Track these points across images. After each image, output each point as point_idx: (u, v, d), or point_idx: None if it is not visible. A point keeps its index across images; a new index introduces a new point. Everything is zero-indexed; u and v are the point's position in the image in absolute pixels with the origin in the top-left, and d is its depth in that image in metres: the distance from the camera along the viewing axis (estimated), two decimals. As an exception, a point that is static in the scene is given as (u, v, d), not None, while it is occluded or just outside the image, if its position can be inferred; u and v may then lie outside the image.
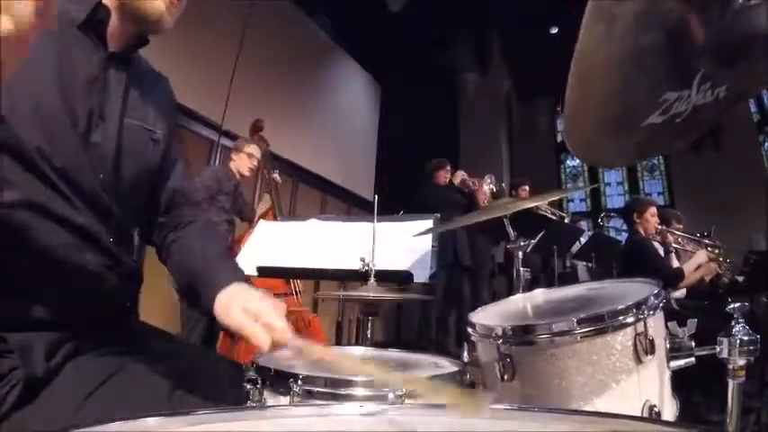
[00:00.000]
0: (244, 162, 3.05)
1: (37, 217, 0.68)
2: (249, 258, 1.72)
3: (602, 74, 0.77)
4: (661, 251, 3.23)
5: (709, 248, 3.21)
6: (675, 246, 3.28)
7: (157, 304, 2.95)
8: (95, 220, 0.76)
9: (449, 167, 4.35)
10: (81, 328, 0.74)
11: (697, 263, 3.02)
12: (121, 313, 0.87)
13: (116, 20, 0.80)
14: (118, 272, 0.80)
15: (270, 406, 0.70)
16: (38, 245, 0.68)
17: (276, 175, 3.36)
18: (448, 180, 4.29)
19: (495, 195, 4.00)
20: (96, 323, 0.77)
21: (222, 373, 0.89)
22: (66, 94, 0.72)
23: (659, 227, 3.24)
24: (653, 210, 3.25)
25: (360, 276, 1.43)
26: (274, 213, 3.19)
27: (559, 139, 7.83)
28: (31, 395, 0.65)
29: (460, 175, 4.34)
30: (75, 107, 0.73)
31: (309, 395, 0.70)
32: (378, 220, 1.46)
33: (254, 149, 3.08)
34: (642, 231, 3.20)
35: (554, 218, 4.17)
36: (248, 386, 0.76)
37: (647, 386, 0.79)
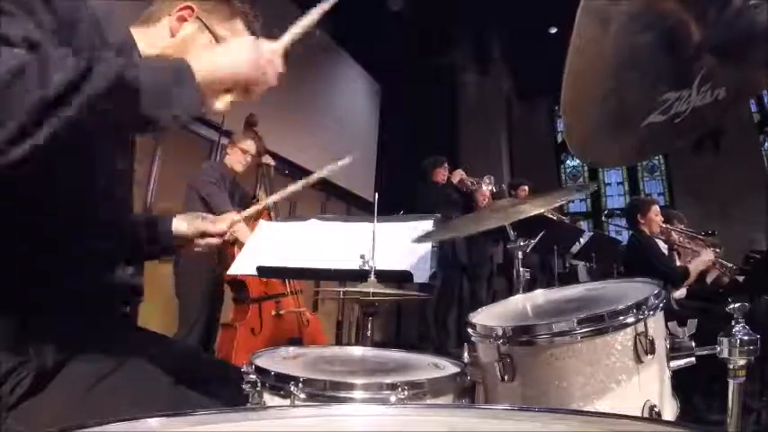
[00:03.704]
0: (237, 157, 3.03)
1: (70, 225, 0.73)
2: (249, 258, 1.72)
3: (597, 73, 0.77)
4: (665, 250, 3.24)
5: (710, 247, 3.22)
6: (678, 245, 3.29)
7: (156, 305, 2.96)
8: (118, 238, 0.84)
9: (446, 165, 4.34)
10: (90, 327, 0.76)
11: (704, 262, 3.03)
12: (124, 317, 0.89)
13: None
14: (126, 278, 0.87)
15: (271, 407, 0.70)
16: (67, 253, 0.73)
17: (267, 159, 3.28)
18: (446, 178, 4.28)
19: (494, 196, 4.00)
20: (103, 323, 0.78)
21: (220, 374, 0.90)
22: None
23: (663, 225, 3.24)
24: (656, 208, 3.26)
25: (360, 276, 1.43)
26: (269, 211, 3.17)
27: (559, 139, 7.82)
28: (39, 387, 0.68)
29: (459, 174, 4.34)
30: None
31: (309, 398, 0.70)
32: (378, 221, 1.46)
33: (248, 145, 3.06)
34: (647, 231, 3.21)
35: (554, 218, 4.17)
36: (248, 388, 0.76)
37: (647, 386, 0.79)
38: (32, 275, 0.69)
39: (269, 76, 0.77)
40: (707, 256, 3.04)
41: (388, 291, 1.21)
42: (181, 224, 1.07)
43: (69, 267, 0.73)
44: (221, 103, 0.73)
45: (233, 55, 0.72)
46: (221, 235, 1.09)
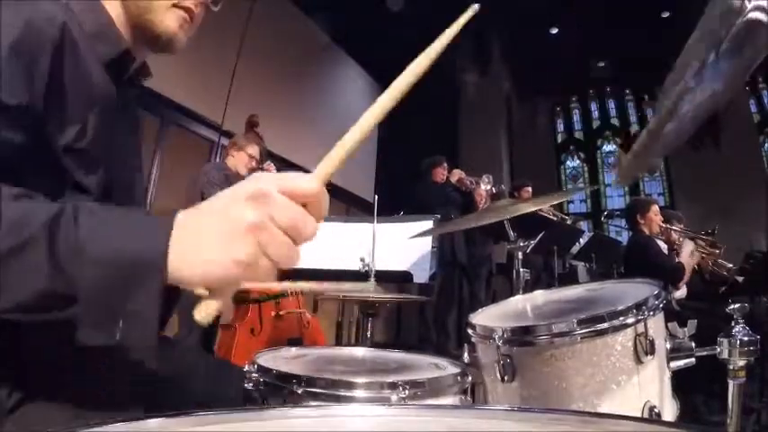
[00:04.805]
0: (243, 161, 3.03)
1: None
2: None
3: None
4: (665, 250, 3.25)
5: (710, 247, 3.23)
6: (677, 245, 3.30)
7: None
8: None
9: (445, 164, 4.35)
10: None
11: (688, 252, 3.04)
12: None
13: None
14: None
15: (271, 407, 0.70)
16: None
17: (269, 166, 3.30)
18: (445, 178, 4.29)
19: (494, 196, 4.00)
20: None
21: (220, 374, 0.89)
22: (92, 128, 0.72)
23: (663, 225, 3.25)
24: (656, 208, 3.27)
25: (360, 277, 1.43)
26: None
27: (559, 139, 7.82)
28: (37, 391, 0.66)
29: (458, 174, 4.34)
30: (99, 143, 0.74)
31: (310, 397, 0.70)
32: (378, 221, 1.46)
33: (254, 150, 3.07)
34: (647, 231, 3.21)
35: (554, 219, 4.17)
36: (250, 387, 0.76)
37: (647, 387, 0.79)
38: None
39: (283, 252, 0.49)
40: (688, 246, 3.06)
41: (387, 295, 1.21)
42: None
43: None
44: (203, 315, 0.50)
45: (228, 242, 0.47)
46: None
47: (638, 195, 6.82)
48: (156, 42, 0.79)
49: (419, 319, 4.38)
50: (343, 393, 0.70)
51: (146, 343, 0.48)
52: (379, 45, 6.14)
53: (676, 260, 3.13)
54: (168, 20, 0.77)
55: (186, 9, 0.78)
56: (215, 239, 0.47)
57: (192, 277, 0.48)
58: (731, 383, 0.76)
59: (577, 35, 5.99)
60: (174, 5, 0.77)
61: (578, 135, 7.73)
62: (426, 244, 1.58)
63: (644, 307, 0.79)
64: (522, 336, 0.82)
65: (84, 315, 0.46)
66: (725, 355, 0.75)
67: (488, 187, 4.04)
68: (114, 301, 0.46)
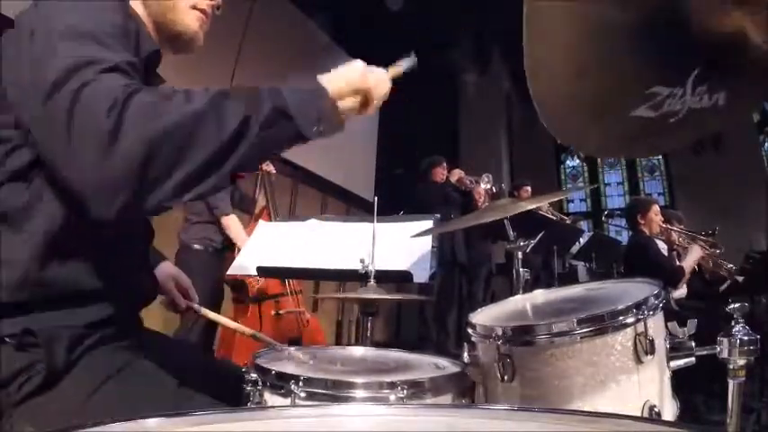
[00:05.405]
0: None
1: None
2: (249, 258, 1.72)
3: (564, 47, 0.75)
4: (665, 250, 3.24)
5: (710, 247, 3.22)
6: (678, 245, 3.29)
7: (155, 304, 2.95)
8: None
9: (445, 164, 4.35)
10: (103, 327, 0.77)
11: (695, 259, 3.04)
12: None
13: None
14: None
15: (270, 407, 0.70)
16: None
17: (268, 165, 3.29)
18: (445, 177, 4.30)
19: (494, 196, 3.99)
20: (117, 324, 0.79)
21: (220, 373, 0.90)
22: None
23: (663, 225, 3.25)
24: (656, 208, 3.26)
25: (359, 277, 1.43)
26: (269, 213, 3.16)
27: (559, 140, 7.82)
28: (47, 385, 0.68)
29: (458, 174, 4.35)
30: None
31: (310, 397, 0.70)
32: (378, 221, 1.46)
33: None
34: (647, 231, 3.21)
35: (554, 218, 4.17)
36: (248, 388, 0.76)
37: (647, 386, 0.79)
38: (48, 275, 0.70)
39: (380, 90, 0.87)
40: (696, 252, 3.06)
41: (387, 296, 1.21)
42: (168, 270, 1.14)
43: (86, 267, 0.74)
44: (350, 107, 0.81)
45: (347, 71, 0.83)
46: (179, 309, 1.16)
47: (638, 195, 6.82)
48: (176, 41, 0.86)
49: (419, 318, 4.39)
50: (342, 394, 0.70)
51: (334, 127, 0.78)
52: (379, 45, 6.14)
53: (677, 263, 3.13)
54: (189, 19, 0.84)
55: (202, 10, 0.86)
56: (341, 70, 0.83)
57: (336, 87, 0.79)
58: (731, 383, 0.75)
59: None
60: (193, 7, 0.85)
61: (578, 135, 7.72)
62: (426, 244, 1.57)
63: (644, 306, 0.79)
64: (521, 335, 0.82)
65: (297, 121, 0.71)
66: (725, 354, 0.75)
67: (488, 186, 4.02)
68: (311, 108, 0.73)
